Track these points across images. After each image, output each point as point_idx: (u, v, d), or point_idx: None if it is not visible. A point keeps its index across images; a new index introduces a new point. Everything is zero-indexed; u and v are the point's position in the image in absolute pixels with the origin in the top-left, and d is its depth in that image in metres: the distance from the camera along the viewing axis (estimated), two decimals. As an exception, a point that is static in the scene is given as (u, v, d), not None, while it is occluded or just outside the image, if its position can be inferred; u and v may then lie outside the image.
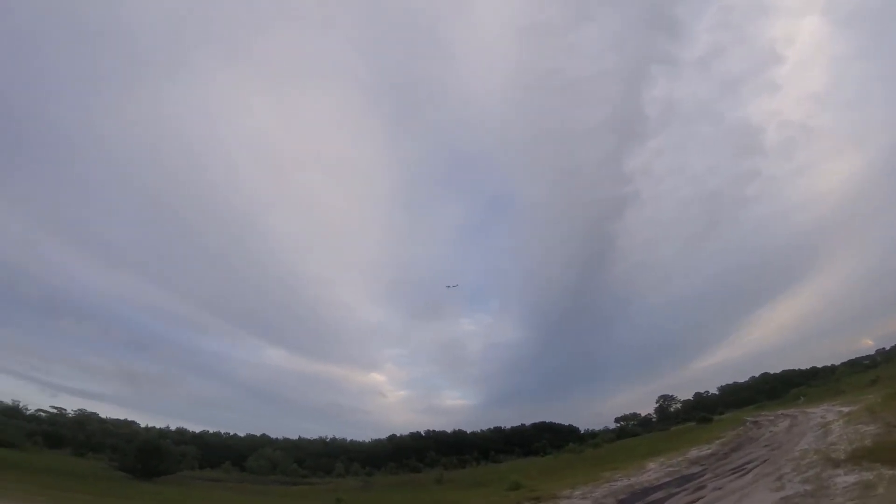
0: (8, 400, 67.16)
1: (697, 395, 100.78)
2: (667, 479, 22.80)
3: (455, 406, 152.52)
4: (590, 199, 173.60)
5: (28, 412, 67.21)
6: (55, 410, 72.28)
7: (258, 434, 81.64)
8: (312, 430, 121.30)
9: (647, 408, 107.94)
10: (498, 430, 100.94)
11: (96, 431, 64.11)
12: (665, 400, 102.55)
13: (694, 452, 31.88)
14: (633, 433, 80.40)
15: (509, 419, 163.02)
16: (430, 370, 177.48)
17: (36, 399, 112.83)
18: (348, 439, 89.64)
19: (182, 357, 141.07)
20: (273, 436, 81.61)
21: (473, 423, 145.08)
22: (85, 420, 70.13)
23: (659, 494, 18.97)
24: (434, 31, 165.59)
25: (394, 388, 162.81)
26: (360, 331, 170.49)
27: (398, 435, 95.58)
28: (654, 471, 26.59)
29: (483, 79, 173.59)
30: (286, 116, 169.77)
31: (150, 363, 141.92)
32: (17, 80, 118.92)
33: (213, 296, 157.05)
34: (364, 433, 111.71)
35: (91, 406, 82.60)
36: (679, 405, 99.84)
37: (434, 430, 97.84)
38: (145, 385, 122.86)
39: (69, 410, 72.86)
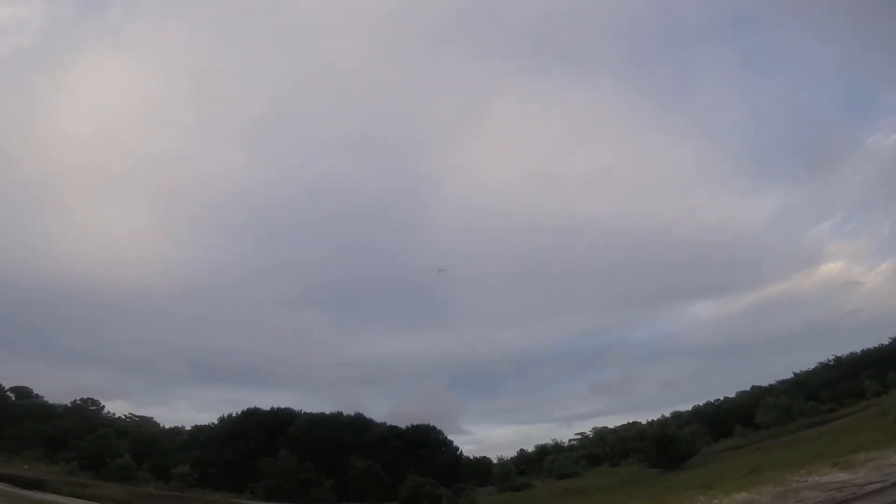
0: (548, 440, 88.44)
1: None
2: None
3: None
4: None
5: (564, 445, 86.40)
6: (579, 436, 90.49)
7: (748, 388, 75.52)
8: (801, 361, 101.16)
9: None
10: None
11: (615, 441, 75.15)
12: None
13: None
14: None
15: None
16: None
17: (563, 433, 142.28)
18: (858, 351, 70.02)
19: (629, 354, 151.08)
20: (764, 384, 73.52)
21: None
22: (601, 434, 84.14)
23: None
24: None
25: (865, 268, 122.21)
26: (762, 236, 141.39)
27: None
28: None
29: None
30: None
31: (612, 371, 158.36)
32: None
33: (625, 285, 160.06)
34: (871, 336, 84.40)
35: (601, 421, 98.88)
36: None
37: None
38: (617, 389, 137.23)
39: (588, 432, 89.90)
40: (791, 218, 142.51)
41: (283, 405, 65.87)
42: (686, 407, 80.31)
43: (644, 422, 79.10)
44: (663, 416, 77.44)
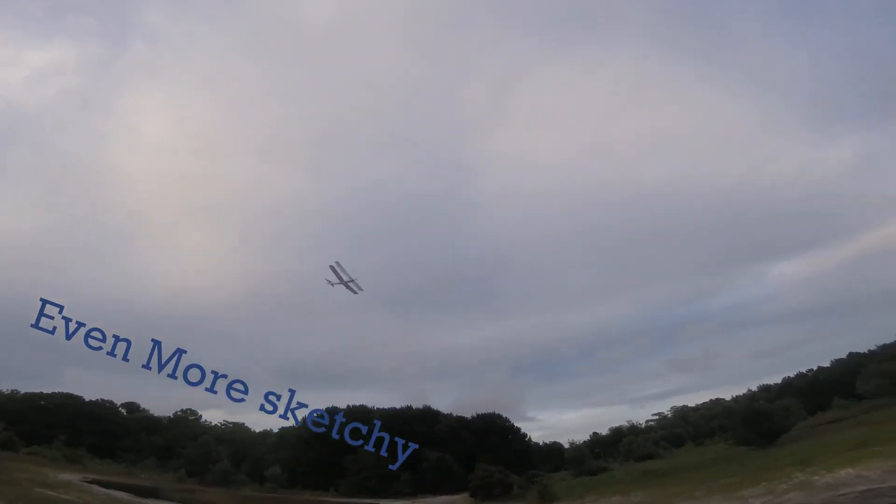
0: (622, 422, 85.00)
1: None
2: None
3: None
4: None
5: (641, 427, 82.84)
6: (657, 416, 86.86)
7: (844, 355, 67.31)
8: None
9: None
10: None
11: (698, 420, 71.33)
12: None
13: None
14: None
15: None
16: None
17: (638, 414, 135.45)
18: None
19: (708, 326, 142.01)
20: (863, 349, 63.49)
21: None
22: (681, 413, 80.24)
23: None
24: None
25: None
26: (844, 186, 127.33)
27: None
28: None
29: None
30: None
31: (690, 346, 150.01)
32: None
33: (698, 252, 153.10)
34: None
35: (681, 400, 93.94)
36: None
37: None
38: (697, 365, 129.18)
39: (666, 412, 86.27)
40: (873, 163, 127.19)
41: (358, 403, 68.41)
42: (775, 379, 74.47)
43: (728, 398, 74.66)
44: (750, 390, 72.65)
